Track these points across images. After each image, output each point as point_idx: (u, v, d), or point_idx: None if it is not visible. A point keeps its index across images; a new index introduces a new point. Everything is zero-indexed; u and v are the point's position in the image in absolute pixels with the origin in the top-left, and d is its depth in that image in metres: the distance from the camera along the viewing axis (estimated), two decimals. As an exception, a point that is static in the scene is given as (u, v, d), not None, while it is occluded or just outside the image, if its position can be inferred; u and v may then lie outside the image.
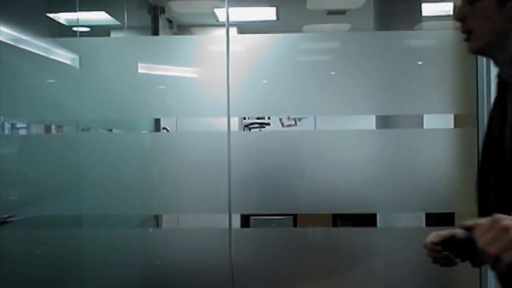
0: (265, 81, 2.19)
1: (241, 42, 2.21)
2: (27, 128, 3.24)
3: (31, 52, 2.48)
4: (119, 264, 2.27)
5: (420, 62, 2.20)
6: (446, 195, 2.20)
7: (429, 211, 2.30)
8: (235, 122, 2.15)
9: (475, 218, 1.97)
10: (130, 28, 4.34)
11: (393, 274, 2.23)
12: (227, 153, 2.13)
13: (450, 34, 2.18)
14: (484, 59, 1.98)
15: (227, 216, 2.13)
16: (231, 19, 2.21)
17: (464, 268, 2.11)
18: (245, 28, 4.09)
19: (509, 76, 1.08)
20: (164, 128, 3.77)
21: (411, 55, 2.23)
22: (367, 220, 3.36)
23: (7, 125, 2.48)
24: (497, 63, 1.09)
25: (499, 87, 1.12)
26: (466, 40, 1.11)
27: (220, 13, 4.64)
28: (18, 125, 2.63)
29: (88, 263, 2.29)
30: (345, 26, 5.26)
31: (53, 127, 3.47)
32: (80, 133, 2.55)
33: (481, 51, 1.14)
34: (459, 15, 1.12)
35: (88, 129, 2.73)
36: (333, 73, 2.22)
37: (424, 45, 2.26)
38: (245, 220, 4.24)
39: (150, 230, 2.76)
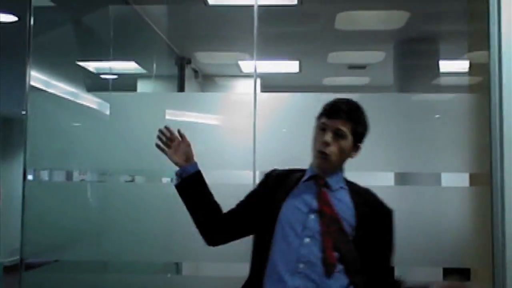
0: (288, 136, 2.30)
1: (267, 100, 2.33)
2: (50, 174, 3.36)
3: (62, 98, 2.62)
4: None
5: (437, 122, 2.31)
6: (461, 251, 2.25)
7: (445, 266, 2.34)
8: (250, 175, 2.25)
9: (489, 273, 2.05)
10: (157, 77, 4.48)
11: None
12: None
13: (466, 97, 2.30)
14: (497, 119, 2.08)
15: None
16: (252, 70, 2.33)
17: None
18: (268, 79, 4.20)
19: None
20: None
21: (429, 116, 2.34)
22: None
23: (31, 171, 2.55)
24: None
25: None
26: (321, 158, 1.53)
27: (244, 65, 4.77)
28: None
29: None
30: (365, 79, 5.37)
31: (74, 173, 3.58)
32: (106, 182, 2.63)
33: (328, 170, 1.56)
34: (327, 141, 1.53)
35: (110, 175, 2.83)
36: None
37: (441, 106, 2.37)
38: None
39: (170, 275, 2.82)
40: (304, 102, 2.34)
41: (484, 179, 2.16)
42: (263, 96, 2.32)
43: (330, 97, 2.17)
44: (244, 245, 2.09)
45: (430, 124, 2.31)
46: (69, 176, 4.08)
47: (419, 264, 2.38)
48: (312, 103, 2.31)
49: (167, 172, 3.47)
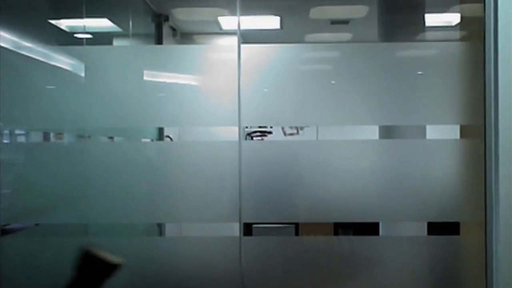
0: (268, 90, 2.22)
1: (250, 52, 2.23)
2: (26, 135, 3.25)
3: (33, 58, 2.47)
4: (125, 273, 2.26)
5: (424, 72, 2.22)
6: (450, 205, 2.21)
7: (433, 220, 2.29)
8: (235, 131, 2.16)
9: (481, 228, 2.02)
10: (133, 35, 4.35)
11: (395, 283, 2.24)
12: (238, 162, 2.15)
13: (456, 44, 2.21)
14: (492, 69, 2.00)
15: (234, 224, 2.16)
16: (233, 27, 2.24)
17: (469, 278, 2.17)
18: (248, 36, 4.10)
19: None
20: (167, 136, 3.77)
21: (415, 65, 2.25)
22: (369, 229, 3.39)
23: (5, 132, 2.46)
24: None
25: None
26: None
27: (224, 22, 4.66)
28: (17, 132, 2.61)
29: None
30: (348, 35, 5.30)
31: (51, 134, 3.48)
32: (83, 141, 2.55)
33: None
34: None
35: (89, 137, 2.73)
36: (333, 82, 2.24)
37: (428, 55, 2.28)
38: (247, 228, 4.25)
39: (156, 238, 2.76)
40: (289, 54, 2.24)
41: (476, 131, 2.10)
42: (246, 49, 2.22)
43: (316, 48, 2.12)
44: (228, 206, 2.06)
45: (416, 74, 2.23)
46: (46, 138, 3.99)
47: (404, 219, 2.35)
48: (298, 55, 2.27)
49: (147, 133, 3.40)
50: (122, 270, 2.24)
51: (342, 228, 4.68)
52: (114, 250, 2.25)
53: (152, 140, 3.50)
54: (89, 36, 3.76)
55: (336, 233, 4.41)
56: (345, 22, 4.87)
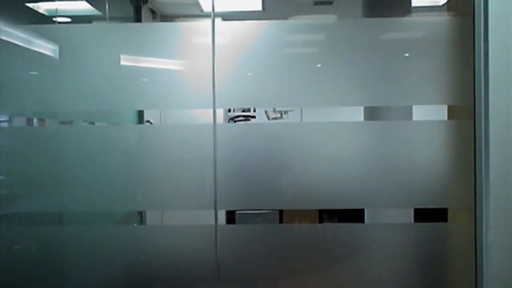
0: (246, 71, 2.10)
1: (226, 30, 2.11)
2: (9, 121, 3.16)
3: (8, 42, 2.37)
4: (101, 262, 2.19)
5: (410, 50, 2.12)
6: (438, 190, 2.12)
7: (420, 206, 2.19)
8: (220, 115, 2.06)
9: (469, 213, 1.94)
10: (111, 18, 4.22)
11: (381, 271, 2.16)
12: (212, 146, 2.05)
13: (445, 21, 2.11)
14: (482, 48, 1.90)
15: (213, 212, 2.05)
16: (216, 9, 2.13)
17: (458, 268, 2.08)
18: (230, 18, 4.00)
19: None
20: (147, 121, 3.68)
21: (402, 44, 2.15)
22: (355, 216, 3.31)
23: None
24: None
25: None
26: None
27: (205, 3, 4.53)
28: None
29: (69, 261, 2.21)
30: (332, 17, 5.19)
31: (35, 120, 3.39)
32: (60, 126, 2.43)
33: None
34: None
35: (71, 122, 2.63)
36: (315, 60, 2.15)
37: (414, 32, 2.17)
38: (231, 215, 4.19)
39: (132, 226, 2.66)
40: (267, 31, 2.14)
41: (465, 111, 2.01)
42: (222, 26, 2.09)
43: (296, 24, 2.03)
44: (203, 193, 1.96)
45: (402, 53, 2.13)
46: (29, 124, 3.90)
47: (390, 205, 2.25)
48: (276, 32, 2.16)
49: (127, 117, 3.28)
50: (98, 259, 2.19)
51: (327, 215, 4.63)
52: (87, 238, 2.22)
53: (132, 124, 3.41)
54: (67, 19, 3.65)
55: (321, 220, 4.33)
56: (329, 2, 4.75)
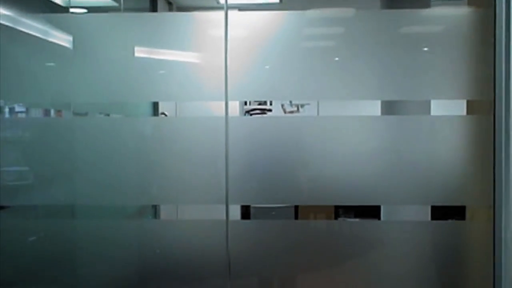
0: (259, 62, 2.06)
1: (241, 20, 2.08)
2: (27, 112, 3.17)
3: (23, 32, 2.35)
4: (112, 256, 2.17)
5: (429, 43, 2.06)
6: (456, 187, 2.07)
7: (438, 204, 2.14)
8: (235, 108, 2.02)
9: (488, 212, 1.89)
10: (127, 10, 4.20)
11: (396, 269, 2.12)
12: (224, 140, 2.01)
13: (465, 14, 2.05)
14: (504, 41, 1.84)
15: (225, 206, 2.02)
16: (231, 1, 2.10)
17: (476, 266, 2.03)
18: (246, 9, 3.97)
19: None
20: (162, 113, 3.65)
21: (422, 37, 2.09)
22: (371, 212, 3.26)
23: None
24: None
25: None
26: None
27: (222, -5, 4.50)
28: (17, 109, 2.52)
29: (81, 254, 2.19)
30: (351, 10, 5.12)
31: (52, 111, 3.39)
32: (75, 117, 2.41)
33: None
34: None
35: (86, 114, 2.61)
36: (332, 53, 2.11)
37: (436, 26, 2.12)
38: (246, 209, 4.16)
39: (143, 220, 2.64)
40: (282, 21, 2.10)
41: (485, 107, 1.95)
42: (236, 15, 2.05)
43: (313, 15, 1.99)
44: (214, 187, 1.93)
45: (421, 46, 2.07)
46: (46, 115, 3.91)
47: (407, 203, 2.20)
48: (292, 23, 2.11)
49: (142, 109, 3.26)
50: (110, 253, 2.16)
51: (343, 211, 4.58)
52: (100, 232, 2.20)
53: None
54: (83, 10, 3.63)
55: (337, 215, 4.29)
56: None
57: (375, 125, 2.15)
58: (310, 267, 2.12)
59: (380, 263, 2.12)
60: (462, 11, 2.05)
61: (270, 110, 5.77)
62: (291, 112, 5.77)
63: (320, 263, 2.13)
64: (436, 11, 2.16)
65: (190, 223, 2.18)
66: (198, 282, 2.12)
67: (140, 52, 2.19)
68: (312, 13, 2.16)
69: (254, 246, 2.10)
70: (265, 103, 5.64)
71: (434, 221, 2.20)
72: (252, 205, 4.09)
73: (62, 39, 2.28)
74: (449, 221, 2.11)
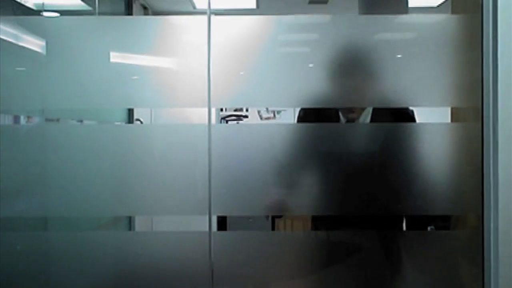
0: (243, 68, 2.01)
1: (222, 25, 2.01)
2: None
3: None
4: (83, 271, 2.06)
5: (410, 48, 2.03)
6: (440, 196, 2.02)
7: (419, 213, 2.06)
8: (212, 115, 1.95)
9: (475, 221, 1.85)
10: (101, 14, 4.12)
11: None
12: (207, 148, 1.93)
13: (448, 19, 2.02)
14: (491, 47, 1.81)
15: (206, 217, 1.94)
16: (205, 6, 2.04)
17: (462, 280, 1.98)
18: (222, 14, 3.94)
19: None
20: (137, 120, 3.58)
21: (401, 42, 2.06)
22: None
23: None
24: None
25: None
26: None
27: (198, 0, 4.46)
28: None
29: (48, 270, 2.08)
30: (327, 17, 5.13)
31: (22, 118, 3.29)
32: (45, 124, 2.32)
33: None
34: None
35: (57, 120, 2.52)
36: (311, 60, 2.04)
37: (415, 30, 2.08)
38: (222, 219, 4.09)
39: (115, 232, 2.54)
40: (264, 26, 2.04)
41: (471, 114, 1.91)
42: (218, 21, 1.99)
43: (292, 20, 1.96)
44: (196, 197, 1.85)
45: (402, 51, 2.03)
46: (16, 121, 3.80)
47: (387, 213, 2.14)
48: (272, 28, 2.05)
49: (117, 116, 3.17)
50: (84, 267, 2.06)
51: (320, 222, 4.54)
52: (74, 244, 2.10)
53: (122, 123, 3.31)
54: (57, 14, 3.55)
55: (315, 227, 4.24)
56: (324, 2, 4.69)
57: (354, 132, 2.10)
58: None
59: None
60: (446, 16, 2.03)
61: (246, 117, 5.74)
62: (268, 118, 5.75)
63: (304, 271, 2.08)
64: (418, 16, 2.12)
65: (169, 235, 2.09)
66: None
67: (116, 57, 2.11)
68: (297, 18, 2.11)
69: (238, 260, 2.02)
70: (241, 109, 5.62)
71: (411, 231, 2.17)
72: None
73: (34, 43, 2.18)
74: (429, 231, 2.07)
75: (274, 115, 5.60)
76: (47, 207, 2.08)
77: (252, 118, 5.60)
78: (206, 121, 1.93)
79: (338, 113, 2.25)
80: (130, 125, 2.66)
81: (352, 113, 2.06)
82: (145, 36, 2.06)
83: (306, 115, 2.22)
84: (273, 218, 3.95)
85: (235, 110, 5.61)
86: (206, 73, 1.94)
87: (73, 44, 2.08)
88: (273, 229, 3.98)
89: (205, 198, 1.93)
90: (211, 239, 1.95)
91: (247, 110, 5.65)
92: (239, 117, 5.62)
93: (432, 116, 2.08)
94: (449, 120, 2.09)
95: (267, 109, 5.50)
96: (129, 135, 2.09)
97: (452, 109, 2.07)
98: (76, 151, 2.05)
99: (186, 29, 2.06)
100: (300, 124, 2.23)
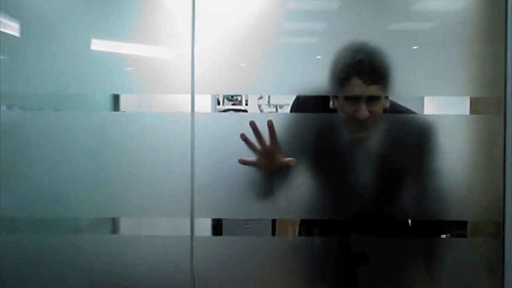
0: (231, 51, 1.81)
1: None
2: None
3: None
4: (65, 275, 1.89)
5: (425, 33, 1.84)
6: (456, 200, 1.83)
7: (434, 219, 1.87)
8: (207, 108, 1.77)
9: (494, 227, 1.66)
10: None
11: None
12: (190, 140, 1.73)
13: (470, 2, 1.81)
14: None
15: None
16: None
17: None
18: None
19: None
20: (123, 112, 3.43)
21: (416, 25, 1.87)
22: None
23: None
24: None
25: None
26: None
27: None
28: None
29: (23, 276, 1.90)
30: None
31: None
32: (18, 112, 2.13)
33: None
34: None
35: (36, 109, 2.36)
36: (313, 41, 1.88)
37: (431, 13, 1.87)
38: (217, 220, 3.94)
39: (98, 236, 2.36)
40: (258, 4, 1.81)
41: (492, 105, 1.73)
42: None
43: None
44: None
45: (417, 35, 1.84)
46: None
47: (398, 217, 1.93)
48: (264, 6, 1.83)
49: (99, 104, 2.99)
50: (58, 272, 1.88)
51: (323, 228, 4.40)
52: (46, 248, 1.91)
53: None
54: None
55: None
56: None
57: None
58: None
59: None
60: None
61: (245, 111, 5.57)
62: (269, 113, 5.59)
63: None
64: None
65: (149, 239, 1.89)
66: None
67: (97, 41, 1.93)
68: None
69: (223, 268, 1.83)
70: (240, 103, 5.46)
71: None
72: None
73: (8, 25, 2.00)
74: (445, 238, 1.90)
75: (277, 109, 5.41)
76: (20, 206, 1.89)
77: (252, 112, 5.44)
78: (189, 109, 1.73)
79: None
80: (106, 112, 2.47)
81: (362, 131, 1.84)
82: (126, 15, 1.87)
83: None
84: (273, 222, 3.83)
85: (233, 104, 5.44)
86: (190, 56, 1.74)
87: (52, 27, 1.91)
88: (273, 234, 3.82)
89: (187, 199, 1.73)
90: (193, 244, 1.75)
91: (246, 104, 5.46)
92: (237, 112, 5.46)
93: (448, 109, 1.90)
94: (467, 112, 1.88)
95: (268, 102, 5.34)
96: (105, 123, 1.90)
97: (471, 99, 1.87)
98: (42, 141, 1.88)
99: (169, 8, 1.85)
100: (296, 114, 2.00)
